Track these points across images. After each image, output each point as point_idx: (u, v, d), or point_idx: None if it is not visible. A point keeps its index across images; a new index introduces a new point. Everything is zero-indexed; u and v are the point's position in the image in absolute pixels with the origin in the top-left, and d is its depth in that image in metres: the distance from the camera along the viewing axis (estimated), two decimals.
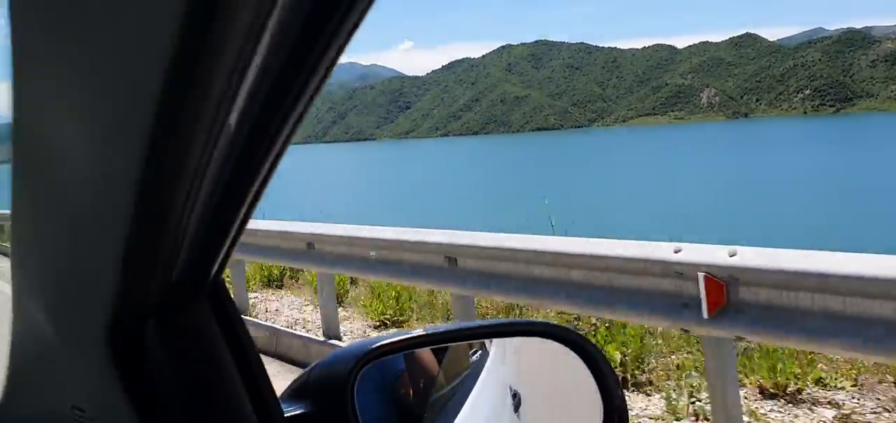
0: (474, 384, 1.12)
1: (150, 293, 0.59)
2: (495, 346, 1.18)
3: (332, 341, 5.73)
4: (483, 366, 1.16)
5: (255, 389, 0.65)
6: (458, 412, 1.06)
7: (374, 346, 0.89)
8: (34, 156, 0.56)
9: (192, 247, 0.56)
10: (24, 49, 0.49)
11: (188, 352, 0.63)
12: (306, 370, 0.88)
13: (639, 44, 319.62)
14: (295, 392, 0.84)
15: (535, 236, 4.18)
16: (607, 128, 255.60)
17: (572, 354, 1.00)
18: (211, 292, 0.64)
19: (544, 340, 1.05)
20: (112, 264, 0.56)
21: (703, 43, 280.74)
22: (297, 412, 0.81)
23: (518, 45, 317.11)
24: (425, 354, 1.03)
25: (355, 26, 0.40)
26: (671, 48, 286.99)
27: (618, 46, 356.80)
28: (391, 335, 0.96)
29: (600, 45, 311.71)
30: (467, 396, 1.10)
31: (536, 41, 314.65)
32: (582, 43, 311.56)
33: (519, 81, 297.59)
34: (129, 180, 0.49)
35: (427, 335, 1.02)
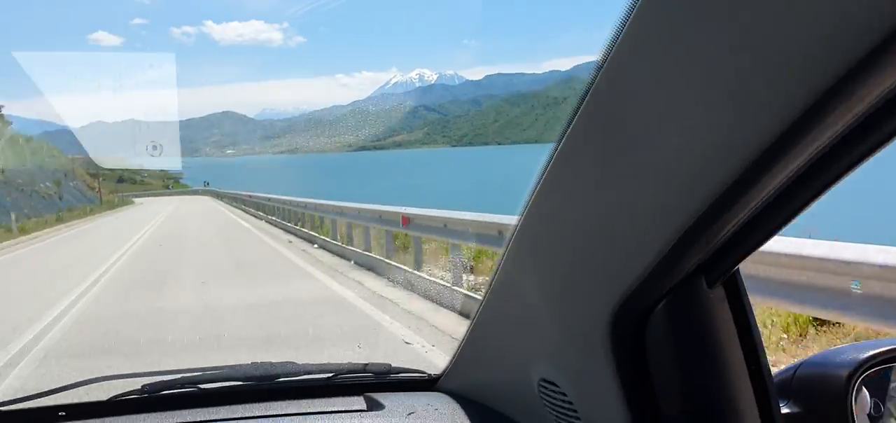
0: None
1: (667, 281, 0.61)
2: None
3: None
4: None
5: (759, 381, 0.66)
6: None
7: (870, 353, 0.81)
8: (608, 140, 0.58)
9: (727, 242, 0.56)
10: (643, 42, 0.50)
11: (698, 337, 0.64)
12: (788, 368, 0.84)
13: None
14: (777, 389, 0.79)
15: None
16: None
17: None
18: (729, 281, 0.65)
19: None
20: (642, 256, 0.59)
21: None
22: (790, 411, 0.79)
23: None
24: None
25: None
26: None
27: None
28: (887, 342, 0.86)
29: None
30: None
31: None
32: None
33: None
34: (714, 180, 0.50)
35: None
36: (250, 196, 26.74)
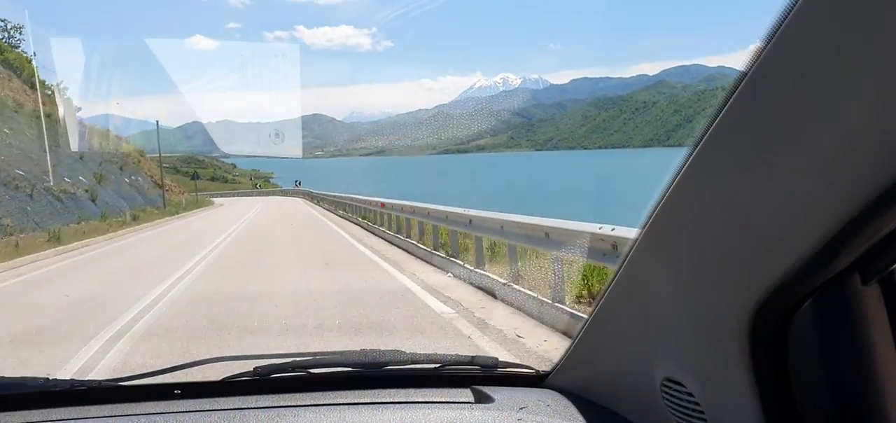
0: None
1: (819, 277, 0.59)
2: None
3: None
4: None
5: None
6: None
7: None
8: (763, 133, 0.57)
9: (889, 237, 0.54)
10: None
11: (848, 338, 0.61)
12: None
13: None
14: None
15: None
16: None
17: None
18: (885, 279, 0.62)
19: None
20: (794, 250, 0.57)
21: None
22: None
23: None
24: None
25: None
26: None
27: None
28: None
29: None
30: None
31: None
32: None
33: None
34: (882, 172, 0.48)
35: None
36: (353, 199, 22.36)
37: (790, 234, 0.57)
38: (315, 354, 1.46)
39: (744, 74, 0.58)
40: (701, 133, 0.65)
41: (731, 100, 0.59)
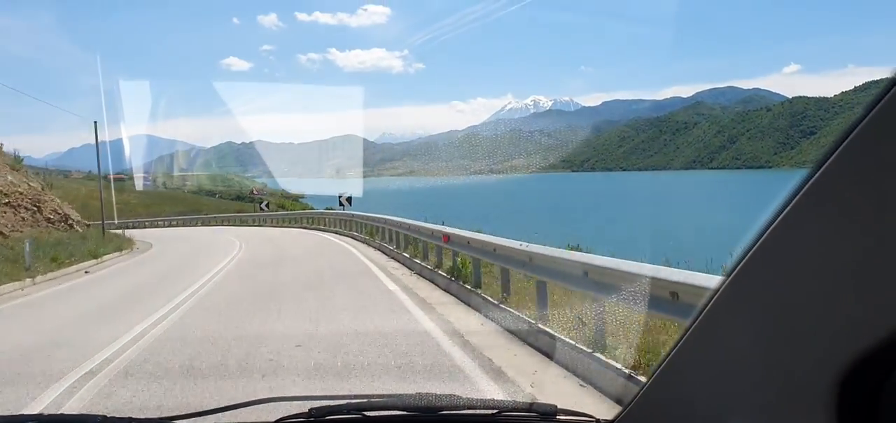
0: None
1: None
2: None
3: None
4: None
5: None
6: None
7: None
8: (887, 177, 0.53)
9: None
10: None
11: None
12: None
13: None
14: None
15: None
16: None
17: None
18: None
19: None
20: (894, 310, 0.53)
21: None
22: None
23: None
24: None
25: None
26: None
27: None
28: None
29: None
30: None
31: None
32: None
33: None
34: None
35: None
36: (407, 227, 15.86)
37: (891, 295, 0.53)
38: (370, 396, 1.43)
39: (859, 118, 0.52)
40: (806, 176, 0.59)
41: (845, 143, 0.53)
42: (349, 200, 31.55)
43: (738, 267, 0.73)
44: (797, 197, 0.60)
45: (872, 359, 0.56)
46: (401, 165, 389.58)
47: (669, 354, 0.98)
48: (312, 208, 50.49)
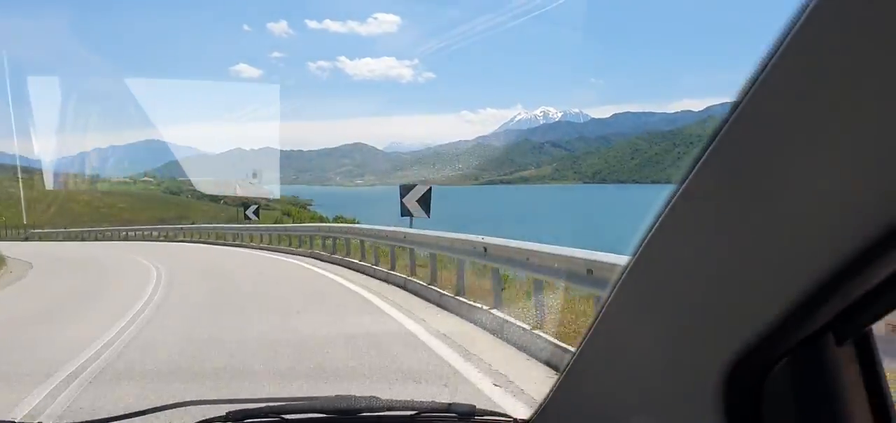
0: None
1: (794, 336, 0.60)
2: None
3: None
4: None
5: None
6: None
7: None
8: (742, 184, 0.57)
9: (865, 298, 0.55)
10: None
11: (823, 398, 0.62)
12: None
13: None
14: None
15: None
16: None
17: None
18: (860, 338, 0.63)
19: None
20: (770, 308, 0.57)
21: None
22: None
23: None
24: None
25: None
26: None
27: None
28: None
29: None
30: None
31: None
32: None
33: None
34: (860, 231, 0.47)
35: None
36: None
37: (765, 292, 0.57)
38: (289, 399, 1.42)
39: (721, 126, 0.56)
40: (679, 182, 0.63)
41: (709, 150, 0.58)
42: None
43: (627, 271, 0.75)
44: (672, 202, 0.63)
45: (752, 355, 0.60)
46: (410, 173, 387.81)
47: (574, 355, 0.98)
48: (321, 214, 40.84)
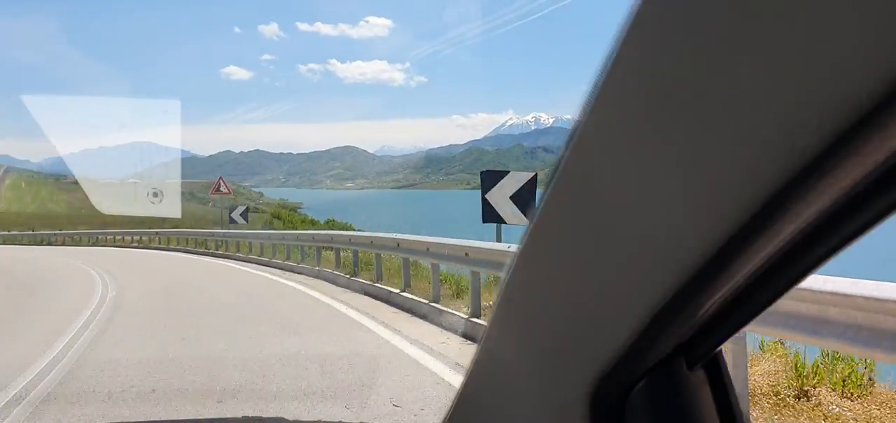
0: None
1: (645, 361, 0.61)
2: None
3: None
4: None
5: None
6: None
7: None
8: (582, 210, 0.56)
9: (707, 323, 0.56)
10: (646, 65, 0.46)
11: (677, 417, 0.62)
12: None
13: None
14: None
15: None
16: None
17: None
18: (710, 362, 0.64)
19: None
20: (619, 334, 0.58)
21: None
22: None
23: None
24: None
25: None
26: None
27: None
28: None
29: None
30: None
31: None
32: None
33: None
34: (689, 257, 0.47)
35: None
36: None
37: (617, 315, 0.57)
38: (194, 421, 1.41)
39: (566, 143, 0.55)
40: (539, 202, 0.61)
41: (558, 170, 0.57)
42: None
43: (501, 294, 0.75)
44: (529, 229, 0.63)
45: (611, 378, 0.60)
46: (401, 177, 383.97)
47: (465, 379, 0.98)
48: (321, 225, 34.46)
